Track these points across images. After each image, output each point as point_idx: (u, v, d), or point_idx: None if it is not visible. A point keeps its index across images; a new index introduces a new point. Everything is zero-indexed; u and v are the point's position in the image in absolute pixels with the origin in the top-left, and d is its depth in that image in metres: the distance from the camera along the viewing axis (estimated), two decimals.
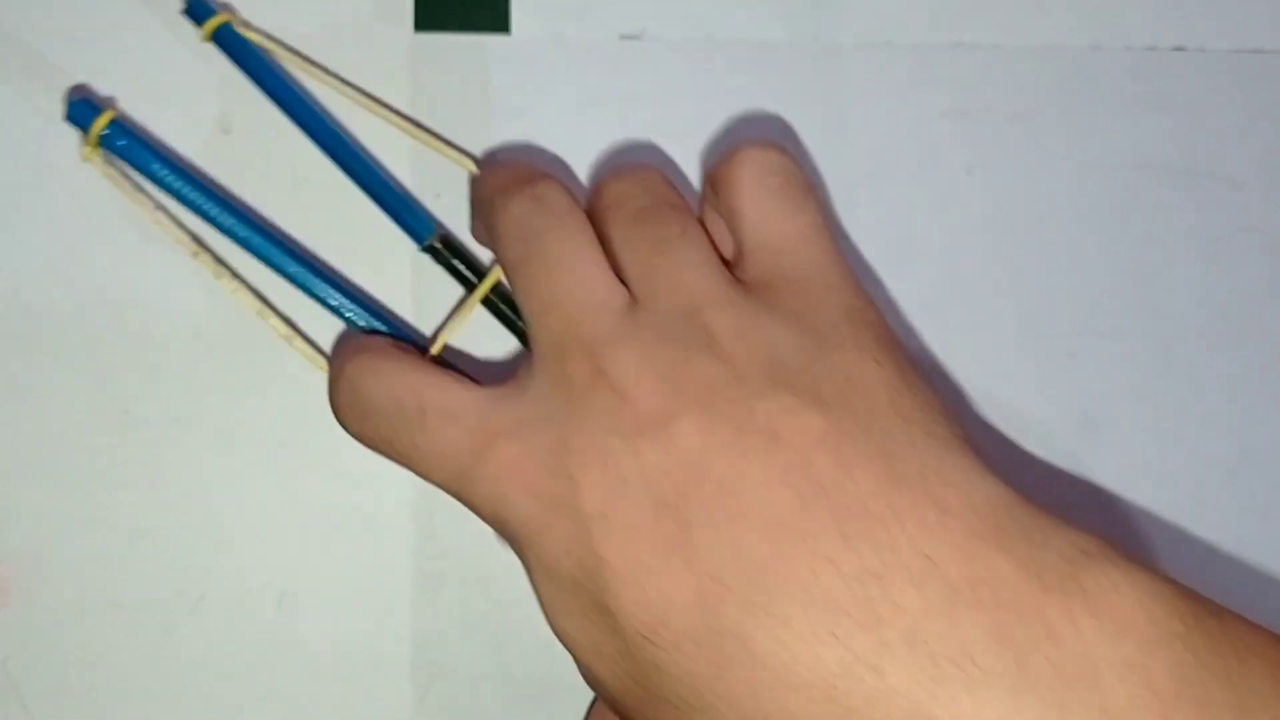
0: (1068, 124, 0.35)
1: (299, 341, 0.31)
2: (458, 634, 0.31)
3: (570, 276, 0.24)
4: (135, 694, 0.30)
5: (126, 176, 0.30)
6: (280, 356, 0.32)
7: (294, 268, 0.30)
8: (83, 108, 0.29)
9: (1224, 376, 0.34)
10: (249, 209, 0.31)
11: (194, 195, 0.29)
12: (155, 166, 0.29)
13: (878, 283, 0.33)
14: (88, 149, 0.29)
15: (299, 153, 0.32)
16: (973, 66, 0.35)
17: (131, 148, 0.29)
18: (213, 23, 0.31)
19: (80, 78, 0.32)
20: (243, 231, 0.30)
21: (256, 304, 0.30)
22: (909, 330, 0.33)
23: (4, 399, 0.31)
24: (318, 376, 0.31)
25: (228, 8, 0.32)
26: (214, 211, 0.30)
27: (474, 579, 0.31)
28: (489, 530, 0.32)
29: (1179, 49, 0.35)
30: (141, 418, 0.31)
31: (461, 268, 0.30)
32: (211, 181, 0.31)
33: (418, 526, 0.31)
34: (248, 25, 0.32)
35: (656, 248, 0.24)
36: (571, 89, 0.33)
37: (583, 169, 0.33)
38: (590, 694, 0.31)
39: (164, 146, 0.31)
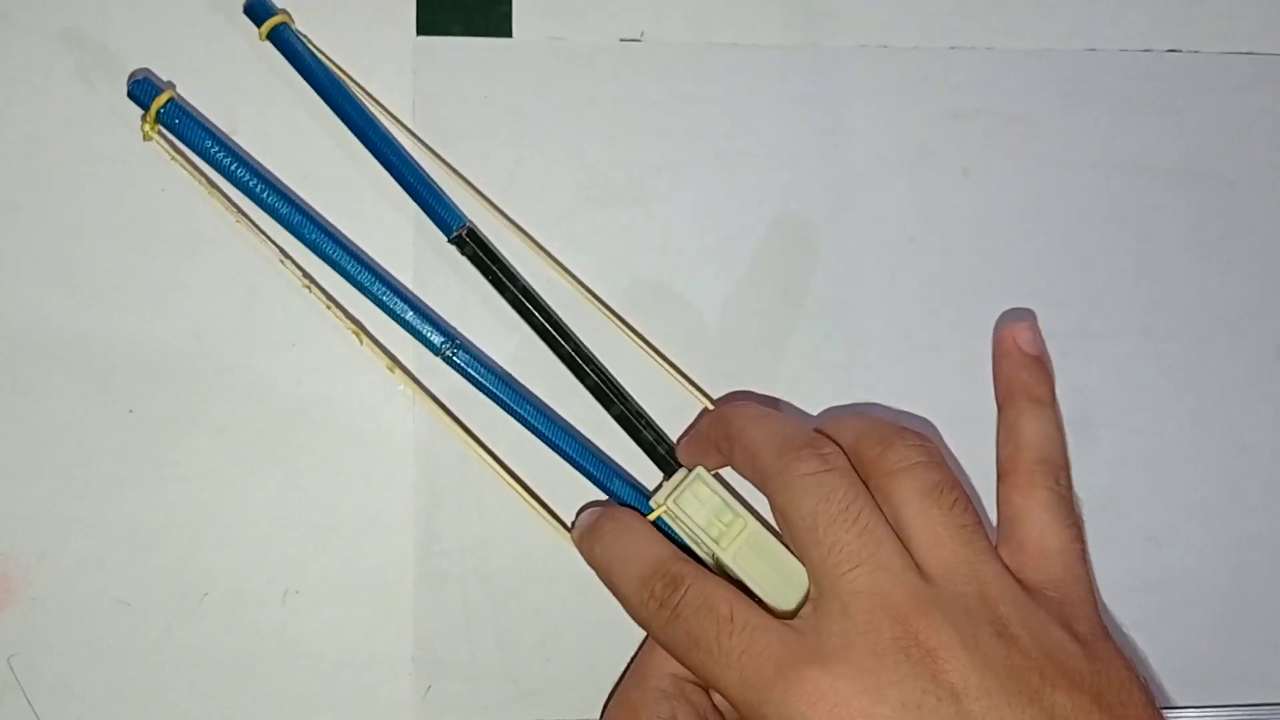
0: (1063, 126, 0.35)
1: (368, 341, 0.32)
2: (459, 632, 0.31)
3: (872, 538, 0.27)
4: (139, 691, 0.31)
5: (185, 158, 0.32)
6: (281, 356, 0.32)
7: (331, 247, 0.31)
8: (144, 86, 0.31)
9: (1221, 376, 0.34)
10: (292, 193, 0.32)
11: (242, 173, 0.31)
12: (208, 144, 0.31)
13: (877, 283, 0.34)
14: (147, 126, 0.31)
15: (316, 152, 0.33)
16: (969, 69, 0.35)
17: (186, 125, 0.31)
18: (271, 22, 0.32)
19: (141, 65, 0.33)
20: (284, 209, 0.31)
21: (325, 300, 0.32)
22: (908, 330, 0.33)
23: (9, 400, 0.31)
24: (317, 376, 0.32)
25: (285, 12, 0.33)
26: (260, 189, 0.31)
27: (475, 577, 0.32)
28: (489, 531, 0.32)
29: (1173, 51, 0.36)
30: (145, 417, 0.31)
31: (483, 257, 0.32)
32: (259, 163, 0.32)
33: (420, 526, 0.32)
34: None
35: (958, 534, 0.27)
36: (572, 92, 0.34)
37: (583, 169, 0.33)
38: (589, 693, 0.31)
39: (216, 129, 0.32)
